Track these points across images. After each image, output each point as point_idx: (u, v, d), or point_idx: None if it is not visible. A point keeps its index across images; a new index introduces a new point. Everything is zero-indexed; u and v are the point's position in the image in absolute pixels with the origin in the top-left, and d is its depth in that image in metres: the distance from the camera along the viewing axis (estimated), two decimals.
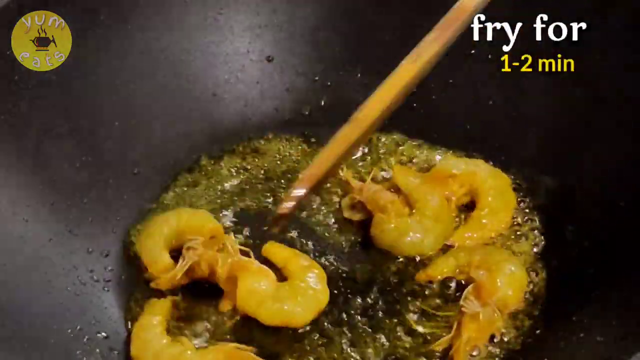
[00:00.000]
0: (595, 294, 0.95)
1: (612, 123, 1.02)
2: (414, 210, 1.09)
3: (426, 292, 1.04)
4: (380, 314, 1.02)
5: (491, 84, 1.14)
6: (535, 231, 1.09)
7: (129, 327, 1.02)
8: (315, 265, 1.05)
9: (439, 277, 1.04)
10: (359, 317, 1.02)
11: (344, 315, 1.02)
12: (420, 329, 1.00)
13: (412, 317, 1.01)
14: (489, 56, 1.12)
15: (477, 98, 1.16)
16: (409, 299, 1.03)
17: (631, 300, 0.88)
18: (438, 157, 1.17)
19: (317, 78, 1.24)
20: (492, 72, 1.13)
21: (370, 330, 1.01)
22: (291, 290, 1.01)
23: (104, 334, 1.00)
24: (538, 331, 0.98)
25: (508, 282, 0.99)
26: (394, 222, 1.07)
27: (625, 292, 0.90)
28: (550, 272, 1.04)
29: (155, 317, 1.00)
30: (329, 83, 1.25)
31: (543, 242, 1.07)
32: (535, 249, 1.07)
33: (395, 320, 1.01)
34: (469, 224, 1.09)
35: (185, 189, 1.17)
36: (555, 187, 1.09)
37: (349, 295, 1.04)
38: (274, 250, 1.07)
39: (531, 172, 1.12)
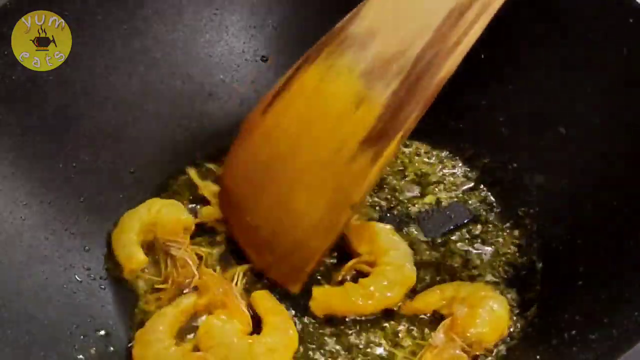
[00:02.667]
0: (587, 291, 0.95)
1: (607, 122, 1.03)
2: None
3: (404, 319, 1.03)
4: (353, 335, 1.02)
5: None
6: (528, 229, 1.10)
7: (126, 324, 1.03)
8: (291, 326, 1.01)
9: (425, 310, 1.02)
10: (328, 335, 1.02)
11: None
12: (390, 350, 1.00)
13: (384, 340, 1.01)
14: (482, 56, 1.14)
15: (473, 97, 1.18)
16: (384, 322, 1.03)
17: (622, 298, 0.89)
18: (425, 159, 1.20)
19: None
20: None
21: (340, 348, 1.01)
22: (250, 349, 0.97)
23: (100, 331, 1.00)
24: (530, 329, 0.99)
25: (485, 320, 0.97)
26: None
27: (616, 290, 0.91)
28: (543, 270, 1.05)
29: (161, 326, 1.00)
30: None
31: (536, 241, 1.08)
32: (527, 247, 1.08)
33: (368, 341, 1.01)
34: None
35: (181, 187, 1.17)
36: (549, 185, 1.10)
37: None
38: (259, 300, 1.03)
39: (526, 170, 1.13)
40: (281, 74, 1.24)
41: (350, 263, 1.06)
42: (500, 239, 1.10)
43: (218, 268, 1.08)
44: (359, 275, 1.06)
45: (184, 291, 1.05)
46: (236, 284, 1.04)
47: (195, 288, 1.04)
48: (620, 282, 0.92)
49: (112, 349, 1.00)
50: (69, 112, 1.09)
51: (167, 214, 1.09)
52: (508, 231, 1.11)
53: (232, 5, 1.22)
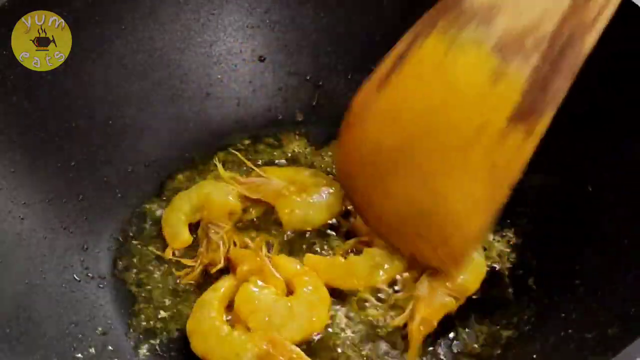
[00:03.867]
0: (584, 290, 0.96)
1: (606, 122, 1.04)
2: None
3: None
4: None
5: None
6: (524, 228, 1.10)
7: (124, 323, 1.03)
8: (321, 283, 1.04)
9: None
10: None
11: None
12: (373, 312, 1.02)
13: (364, 301, 1.03)
14: None
15: None
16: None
17: (619, 297, 0.90)
18: None
19: (308, 77, 1.26)
20: None
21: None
22: (290, 310, 1.00)
23: (98, 330, 1.01)
24: (527, 327, 0.99)
25: (466, 268, 1.01)
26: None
27: (612, 289, 0.92)
28: (539, 269, 1.05)
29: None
30: (320, 83, 1.26)
31: (532, 240, 1.08)
32: (523, 247, 1.08)
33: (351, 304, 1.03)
34: None
35: (179, 187, 1.17)
36: (546, 185, 1.09)
37: None
38: (282, 263, 1.06)
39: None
40: (279, 73, 1.25)
41: (350, 241, 1.09)
42: (497, 238, 1.10)
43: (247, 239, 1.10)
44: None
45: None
46: (268, 252, 1.08)
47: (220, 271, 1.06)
48: (616, 281, 0.92)
49: (110, 347, 1.00)
50: (68, 111, 1.09)
51: (215, 197, 1.11)
52: (504, 231, 1.11)
53: (229, 5, 1.22)
